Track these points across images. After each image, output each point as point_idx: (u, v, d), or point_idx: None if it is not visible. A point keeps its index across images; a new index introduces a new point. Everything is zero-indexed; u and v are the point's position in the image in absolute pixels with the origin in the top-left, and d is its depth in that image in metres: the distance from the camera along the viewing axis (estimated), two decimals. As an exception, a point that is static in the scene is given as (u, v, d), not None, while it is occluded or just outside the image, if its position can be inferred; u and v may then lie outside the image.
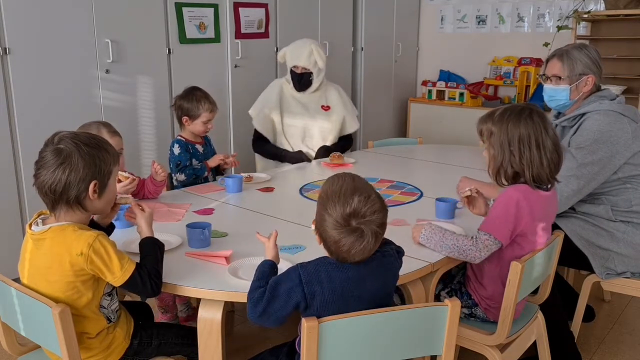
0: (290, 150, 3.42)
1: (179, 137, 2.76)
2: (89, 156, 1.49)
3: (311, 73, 3.37)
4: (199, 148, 2.79)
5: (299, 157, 3.31)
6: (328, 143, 3.46)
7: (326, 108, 3.49)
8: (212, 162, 2.78)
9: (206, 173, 2.78)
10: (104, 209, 1.60)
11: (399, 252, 1.53)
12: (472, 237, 1.77)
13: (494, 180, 1.82)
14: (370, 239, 1.34)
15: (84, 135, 1.54)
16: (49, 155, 1.47)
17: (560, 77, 2.31)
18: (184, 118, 2.71)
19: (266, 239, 1.61)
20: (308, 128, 3.45)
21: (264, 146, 3.49)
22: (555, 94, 2.34)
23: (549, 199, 1.80)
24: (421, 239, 1.85)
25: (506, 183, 1.80)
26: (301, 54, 3.34)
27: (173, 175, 2.72)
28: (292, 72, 3.40)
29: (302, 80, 3.39)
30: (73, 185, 1.47)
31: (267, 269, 1.51)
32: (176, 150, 2.71)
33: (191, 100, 2.69)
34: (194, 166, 2.74)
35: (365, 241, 1.34)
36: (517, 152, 1.73)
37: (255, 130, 3.49)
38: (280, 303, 1.39)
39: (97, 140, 1.55)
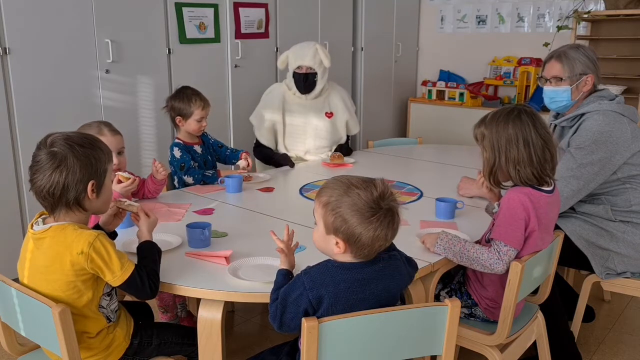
0: (293, 157, 3.38)
1: (176, 140, 2.74)
2: (84, 157, 1.48)
3: (316, 73, 3.26)
4: (197, 149, 2.78)
5: (283, 161, 3.21)
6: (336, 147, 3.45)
7: (329, 115, 3.39)
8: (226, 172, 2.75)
9: (217, 182, 2.68)
10: (102, 207, 1.60)
11: (409, 260, 1.52)
12: (492, 249, 1.74)
13: (490, 183, 1.82)
14: (399, 216, 1.37)
15: (77, 135, 1.53)
16: (44, 159, 1.46)
17: (561, 79, 2.31)
18: (177, 118, 2.69)
19: (282, 243, 1.56)
20: (312, 137, 3.36)
21: (262, 151, 3.41)
22: (556, 95, 2.34)
23: (552, 201, 1.79)
24: (437, 249, 1.83)
25: (506, 184, 1.80)
26: (306, 53, 3.25)
27: (175, 177, 2.71)
28: (295, 74, 3.28)
29: (307, 81, 3.26)
30: (71, 187, 1.48)
31: (281, 278, 1.50)
32: (177, 153, 2.69)
33: (182, 99, 2.67)
34: (204, 172, 2.70)
35: (398, 219, 1.36)
36: (504, 153, 1.73)
37: (257, 142, 3.42)
38: (292, 312, 1.40)
39: (90, 140, 1.54)
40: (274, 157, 3.30)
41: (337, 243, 1.37)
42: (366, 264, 1.41)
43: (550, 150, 1.72)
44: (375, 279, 1.40)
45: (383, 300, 1.41)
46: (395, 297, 1.46)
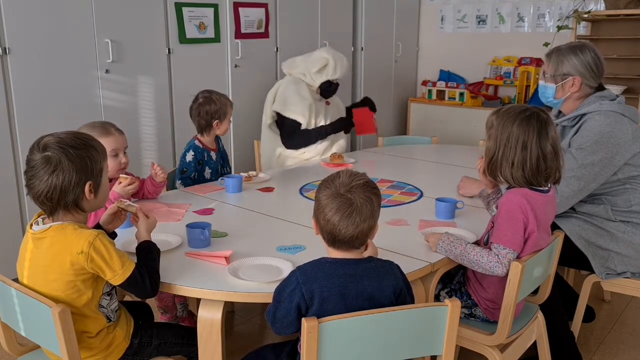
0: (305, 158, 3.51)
1: (196, 143, 2.71)
2: (78, 159, 1.48)
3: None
4: (213, 156, 2.78)
5: (346, 127, 3.58)
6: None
7: (327, 103, 3.64)
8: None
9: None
10: (99, 206, 1.60)
11: (402, 273, 1.51)
12: (492, 252, 1.74)
13: (487, 173, 1.82)
14: (359, 206, 1.38)
15: (69, 137, 1.51)
16: (39, 164, 1.46)
17: (545, 75, 2.33)
18: (215, 122, 2.70)
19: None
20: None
21: (309, 134, 3.49)
22: (544, 90, 2.36)
23: (548, 200, 1.80)
24: (439, 250, 1.84)
25: (501, 180, 1.81)
26: (345, 69, 3.55)
27: (177, 179, 2.71)
28: (328, 83, 3.50)
29: (335, 90, 3.59)
30: (69, 191, 1.47)
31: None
32: (189, 156, 2.68)
33: (215, 101, 2.70)
34: (190, 176, 2.70)
35: (353, 211, 1.37)
36: (502, 149, 1.74)
37: (292, 125, 3.47)
38: (284, 307, 1.40)
39: (83, 140, 1.53)
40: (323, 128, 3.50)
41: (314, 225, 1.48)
42: (358, 262, 1.43)
43: (546, 163, 1.72)
44: (368, 275, 1.41)
45: (376, 299, 1.41)
46: (389, 297, 1.45)
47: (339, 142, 3.66)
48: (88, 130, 1.97)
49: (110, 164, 2.15)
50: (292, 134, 3.48)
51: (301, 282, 1.38)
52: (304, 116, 3.43)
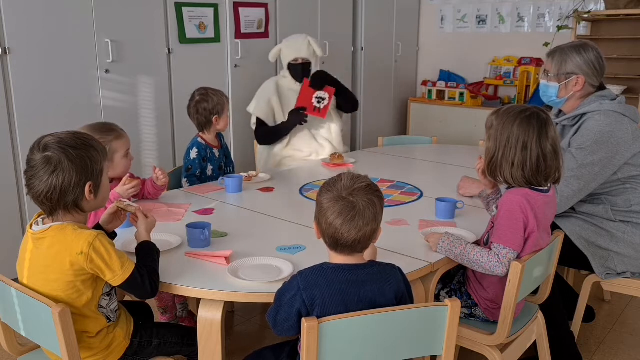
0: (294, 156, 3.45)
1: (199, 141, 2.72)
2: (79, 159, 1.48)
3: (310, 63, 3.48)
4: (216, 153, 2.78)
5: (293, 119, 3.32)
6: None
7: None
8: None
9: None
10: (99, 206, 1.60)
11: (404, 276, 1.51)
12: (492, 252, 1.74)
13: (487, 173, 1.82)
14: (361, 210, 1.36)
15: (69, 137, 1.50)
16: (39, 164, 1.46)
17: (549, 74, 2.33)
18: (215, 117, 2.71)
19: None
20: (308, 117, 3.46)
21: (268, 132, 3.44)
22: (546, 89, 2.36)
23: (548, 200, 1.80)
24: (439, 250, 1.84)
25: (501, 180, 1.81)
26: (300, 46, 3.43)
27: (183, 177, 2.72)
28: (292, 65, 3.44)
29: (304, 71, 3.45)
30: (69, 191, 1.47)
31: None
32: (193, 154, 2.69)
33: (212, 97, 2.71)
34: (195, 174, 2.70)
35: (355, 215, 1.36)
36: (502, 149, 1.74)
37: (257, 123, 3.45)
38: (285, 312, 1.40)
39: (83, 140, 1.52)
40: (280, 125, 3.39)
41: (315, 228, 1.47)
42: (360, 267, 1.42)
43: (546, 163, 1.72)
44: (370, 281, 1.40)
45: (378, 304, 1.40)
46: (391, 300, 1.44)
47: (334, 137, 3.56)
48: (99, 134, 1.95)
49: (124, 164, 2.20)
50: (256, 130, 3.48)
51: (302, 287, 1.37)
52: (263, 111, 3.40)
